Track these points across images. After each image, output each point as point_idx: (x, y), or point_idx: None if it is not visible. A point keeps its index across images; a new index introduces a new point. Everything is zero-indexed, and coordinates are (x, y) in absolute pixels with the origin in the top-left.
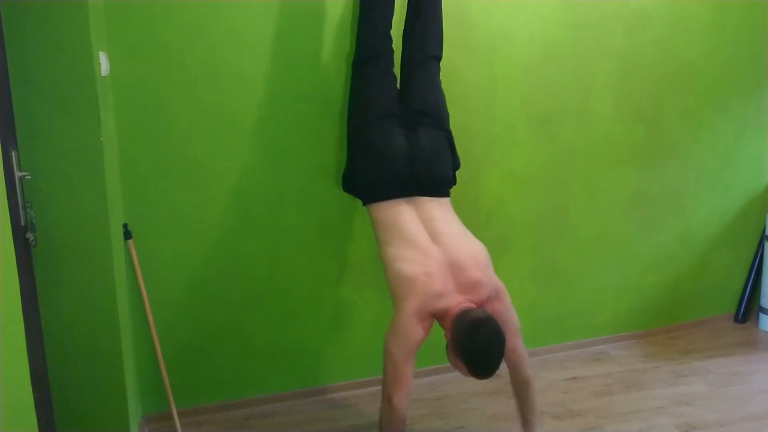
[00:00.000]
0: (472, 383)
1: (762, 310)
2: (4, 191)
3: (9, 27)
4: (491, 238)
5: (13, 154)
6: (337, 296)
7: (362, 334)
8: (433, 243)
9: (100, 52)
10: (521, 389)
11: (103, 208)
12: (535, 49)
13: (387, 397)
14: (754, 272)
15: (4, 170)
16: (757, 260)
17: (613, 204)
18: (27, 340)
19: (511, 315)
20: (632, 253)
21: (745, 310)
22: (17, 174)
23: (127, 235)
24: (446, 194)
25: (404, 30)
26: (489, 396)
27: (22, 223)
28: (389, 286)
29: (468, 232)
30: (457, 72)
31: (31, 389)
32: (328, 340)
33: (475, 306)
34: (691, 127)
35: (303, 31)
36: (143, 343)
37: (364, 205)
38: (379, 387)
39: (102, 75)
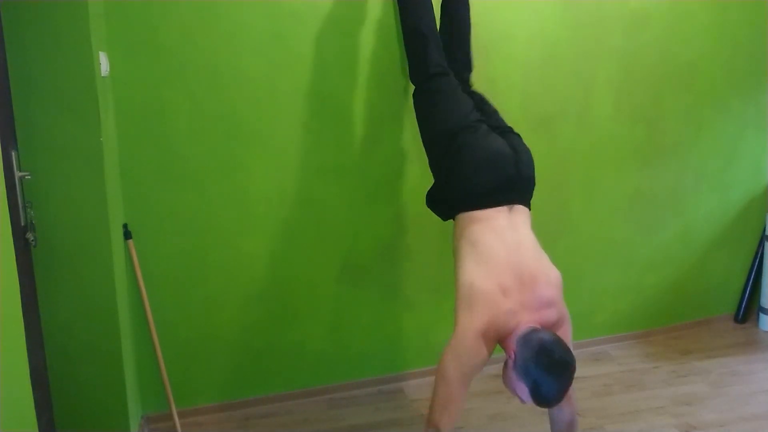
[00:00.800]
0: (472, 383)
1: (762, 310)
2: (4, 191)
3: (9, 27)
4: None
5: (13, 154)
6: (336, 296)
7: (362, 334)
8: (514, 254)
9: (100, 52)
10: (556, 422)
11: (103, 208)
12: (535, 49)
13: (433, 423)
14: (754, 272)
15: (4, 170)
16: (757, 260)
17: (614, 204)
18: (27, 340)
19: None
20: (632, 253)
21: (745, 310)
22: (17, 174)
23: (127, 235)
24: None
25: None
26: (489, 396)
27: (22, 223)
28: (457, 295)
29: (545, 254)
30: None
31: (31, 389)
32: (328, 340)
33: (541, 327)
34: (691, 127)
35: (303, 31)
36: (143, 343)
37: (451, 217)
38: (378, 386)
39: (102, 75)
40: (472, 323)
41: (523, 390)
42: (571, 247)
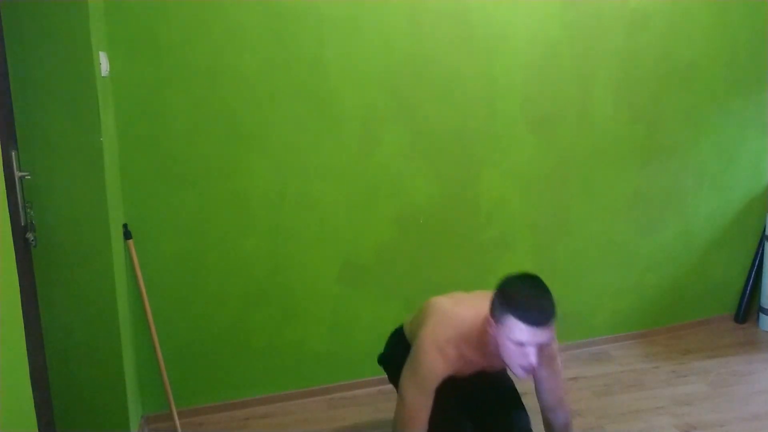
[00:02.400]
0: None
1: (762, 310)
2: (4, 191)
3: (9, 27)
4: (491, 238)
5: (13, 154)
6: (336, 296)
7: (362, 334)
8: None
9: (100, 52)
10: (554, 427)
11: (103, 208)
12: (535, 49)
13: None
14: (754, 272)
15: (4, 170)
16: (757, 260)
17: (614, 204)
18: (27, 340)
19: (556, 352)
20: (632, 253)
21: (745, 310)
22: (17, 174)
23: (127, 235)
24: None
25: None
26: None
27: (22, 223)
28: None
29: None
30: (457, 72)
31: (31, 389)
32: (328, 339)
33: None
34: (691, 127)
35: (302, 31)
36: (143, 343)
37: None
38: (378, 386)
39: (102, 75)
40: (422, 334)
41: (510, 326)
42: (571, 247)
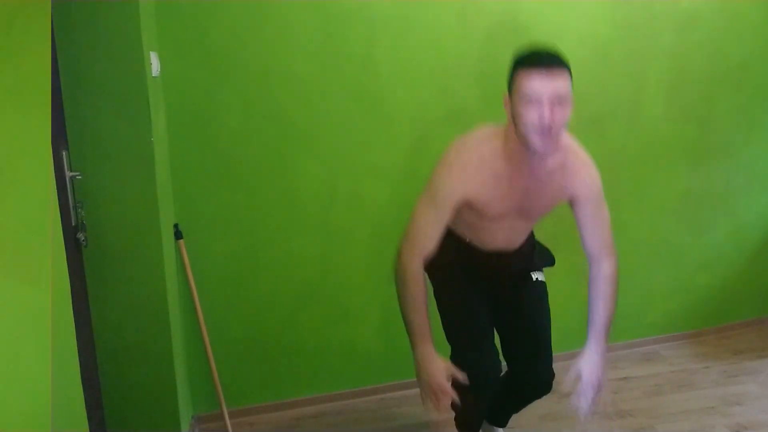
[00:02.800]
0: None
1: None
2: (55, 191)
3: (60, 27)
4: (544, 238)
5: (64, 154)
6: (388, 296)
7: None
8: None
9: (150, 52)
10: (597, 279)
11: (154, 208)
12: (585, 49)
13: (398, 252)
14: None
15: (55, 171)
16: None
17: (664, 204)
18: (78, 341)
19: (599, 196)
20: (683, 253)
21: None
22: (68, 174)
23: (178, 235)
24: None
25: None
26: None
27: (73, 224)
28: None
29: None
30: (508, 71)
31: (81, 389)
32: (379, 339)
33: None
34: (742, 127)
35: (353, 31)
36: (194, 343)
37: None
38: None
39: (153, 75)
40: (443, 155)
41: (519, 86)
42: (622, 247)
